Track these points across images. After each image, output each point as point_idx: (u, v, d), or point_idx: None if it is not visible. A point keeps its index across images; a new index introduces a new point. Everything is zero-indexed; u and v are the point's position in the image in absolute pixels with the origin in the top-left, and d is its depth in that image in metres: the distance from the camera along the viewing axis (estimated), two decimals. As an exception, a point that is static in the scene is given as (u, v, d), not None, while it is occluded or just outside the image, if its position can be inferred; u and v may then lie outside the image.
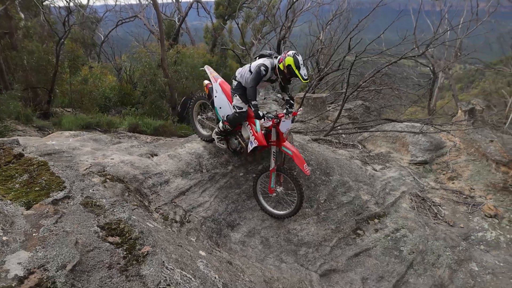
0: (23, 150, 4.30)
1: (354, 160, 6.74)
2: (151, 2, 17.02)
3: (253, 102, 4.34)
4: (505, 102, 21.72)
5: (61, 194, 2.93)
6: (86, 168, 4.40)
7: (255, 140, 4.53)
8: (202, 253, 3.80)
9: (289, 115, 4.49)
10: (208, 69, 5.23)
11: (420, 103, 18.14)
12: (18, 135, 8.61)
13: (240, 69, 4.76)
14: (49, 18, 17.76)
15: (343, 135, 8.21)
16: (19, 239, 2.31)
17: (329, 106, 10.75)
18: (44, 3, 18.34)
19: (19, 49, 13.20)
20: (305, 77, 4.18)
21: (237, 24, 20.95)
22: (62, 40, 13.32)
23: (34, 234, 2.38)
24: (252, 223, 4.82)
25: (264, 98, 12.35)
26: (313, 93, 11.73)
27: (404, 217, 5.49)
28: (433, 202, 6.02)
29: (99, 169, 4.56)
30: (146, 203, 4.50)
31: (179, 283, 2.78)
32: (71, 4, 20.10)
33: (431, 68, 17.46)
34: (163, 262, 2.85)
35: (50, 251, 2.25)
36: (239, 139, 4.82)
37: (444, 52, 21.71)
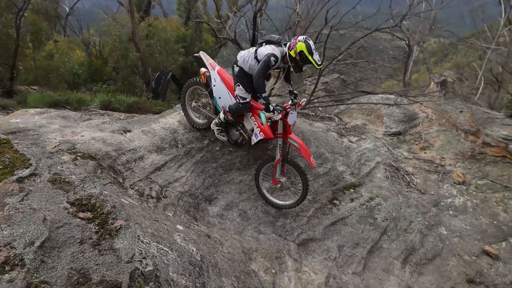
0: (-15, 127, 4.10)
1: (331, 132, 6.81)
2: (119, -28, 16.23)
3: (263, 95, 4.13)
4: (476, 75, 22.30)
5: (26, 172, 2.81)
6: (55, 146, 4.25)
7: (261, 133, 4.38)
8: (180, 227, 3.79)
9: (295, 106, 4.33)
10: (204, 56, 4.93)
11: (396, 76, 18.37)
12: (-19, 114, 8.20)
13: (242, 53, 4.43)
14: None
15: (320, 108, 8.24)
16: (-16, 218, 2.22)
17: (306, 80, 10.73)
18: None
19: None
20: (319, 63, 4.03)
21: (211, -4, 20.33)
22: (22, 12, 12.55)
23: (-1, 212, 2.29)
24: (229, 197, 4.83)
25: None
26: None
27: (379, 187, 5.63)
28: (406, 171, 6.19)
29: (68, 146, 4.42)
30: (121, 180, 4.42)
31: (155, 256, 2.77)
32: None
33: (407, 41, 17.62)
34: (138, 236, 2.82)
35: (17, 229, 2.18)
36: (241, 130, 4.63)
37: (419, 25, 21.89)
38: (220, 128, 4.77)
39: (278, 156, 4.45)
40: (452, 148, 6.82)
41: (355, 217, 5.07)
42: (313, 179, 5.24)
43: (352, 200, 5.31)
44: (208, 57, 4.93)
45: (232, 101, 4.55)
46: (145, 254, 2.67)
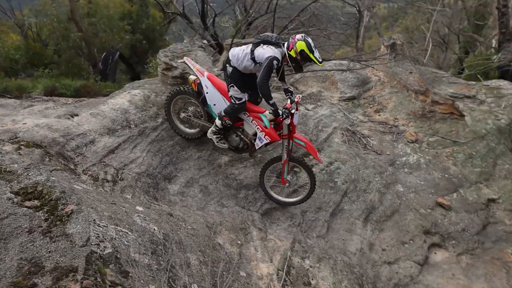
0: None
1: (287, 102, 6.86)
2: None
3: (271, 102, 4.08)
4: (424, 38, 23.14)
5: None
6: (-6, 136, 3.98)
7: (266, 137, 4.31)
8: (140, 208, 3.73)
9: (295, 104, 4.31)
10: (188, 62, 4.68)
11: (349, 43, 18.68)
12: None
13: (235, 52, 4.25)
14: None
15: (275, 79, 8.25)
16: None
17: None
18: None
19: None
20: (320, 60, 3.99)
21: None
22: None
23: None
24: (189, 173, 4.79)
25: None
26: (243, 38, 11.48)
27: (337, 151, 5.80)
28: (362, 134, 6.41)
29: (10, 136, 4.16)
30: (72, 166, 4.24)
31: (114, 238, 2.72)
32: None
33: (357, 7, 17.86)
34: (94, 220, 2.74)
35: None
36: (241, 135, 4.49)
37: (368, -10, 22.18)
38: (219, 135, 4.57)
39: (285, 157, 4.41)
40: (404, 108, 7.12)
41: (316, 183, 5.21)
42: (272, 149, 5.30)
43: (312, 166, 5.43)
44: (193, 62, 4.69)
45: (227, 105, 4.43)
46: (103, 237, 2.61)
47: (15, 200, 2.40)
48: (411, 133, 6.52)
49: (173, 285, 2.91)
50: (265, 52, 3.97)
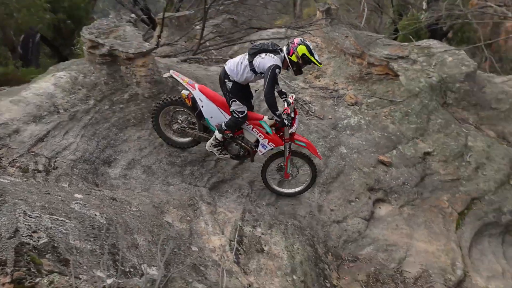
0: None
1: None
2: None
3: (277, 113, 4.14)
4: (360, 3, 23.82)
5: None
6: None
7: (270, 143, 4.42)
8: (79, 195, 3.59)
9: (292, 106, 4.45)
10: (176, 75, 4.48)
11: (288, 12, 18.75)
12: None
13: (231, 67, 4.20)
14: None
15: (214, 52, 8.13)
16: None
17: (196, 25, 10.37)
18: None
19: None
20: (320, 61, 4.15)
21: None
22: None
23: None
24: (130, 155, 4.65)
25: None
26: (177, 11, 11.09)
27: (280, 119, 5.91)
28: (304, 101, 6.57)
29: None
30: (-4, 160, 3.94)
31: (50, 228, 2.60)
32: None
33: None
34: (24, 211, 2.60)
35: None
36: (241, 143, 4.51)
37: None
38: (219, 147, 4.54)
39: (287, 154, 4.58)
40: (343, 72, 7.37)
41: (261, 152, 5.31)
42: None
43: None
44: (181, 75, 4.51)
45: (226, 116, 4.39)
46: (36, 227, 2.49)
47: None
48: (350, 96, 6.79)
49: (120, 267, 2.87)
50: (266, 61, 3.98)
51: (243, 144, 4.51)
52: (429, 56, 8.48)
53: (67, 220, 2.84)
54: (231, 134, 4.40)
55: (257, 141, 4.48)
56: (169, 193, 4.40)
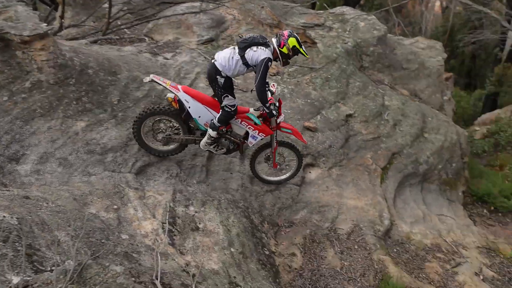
0: None
1: (143, 54, 6.51)
2: None
3: (267, 105, 4.31)
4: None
5: None
6: None
7: (261, 133, 4.60)
8: (-18, 199, 3.24)
9: (275, 95, 4.71)
10: (157, 79, 4.34)
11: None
12: None
13: (221, 61, 4.18)
14: None
15: (127, 31, 7.70)
16: None
17: (104, 3, 9.70)
18: None
19: None
20: (306, 52, 4.41)
21: None
22: None
23: None
24: (41, 148, 4.29)
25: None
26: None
27: (204, 96, 5.83)
28: (226, 75, 6.52)
29: None
30: None
31: None
32: None
33: None
34: None
35: None
36: (230, 137, 4.60)
37: None
38: (215, 144, 4.61)
39: (274, 145, 4.81)
40: (262, 44, 7.41)
41: (187, 130, 5.21)
42: (133, 105, 5.06)
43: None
44: (163, 79, 4.44)
45: (213, 114, 4.45)
46: None
47: None
48: (272, 66, 6.87)
49: (40, 267, 2.68)
50: (258, 54, 4.09)
51: (232, 138, 4.61)
52: (343, 22, 8.87)
53: (-32, 225, 2.56)
54: (224, 129, 4.51)
55: (246, 133, 4.63)
56: (91, 184, 4.16)
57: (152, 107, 4.47)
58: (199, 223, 4.18)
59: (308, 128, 6.21)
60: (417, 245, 5.47)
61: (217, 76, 4.22)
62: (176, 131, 4.64)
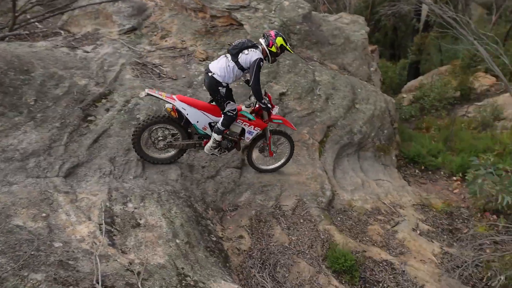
0: None
1: (59, 48, 6.06)
2: None
3: (263, 101, 4.67)
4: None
5: None
6: None
7: (256, 128, 4.91)
8: None
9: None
10: (152, 92, 4.46)
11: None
12: None
13: (219, 72, 4.45)
14: None
15: (38, 25, 7.12)
16: None
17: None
18: None
19: None
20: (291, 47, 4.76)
21: None
22: None
23: None
24: None
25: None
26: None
27: (131, 87, 5.58)
28: (153, 64, 6.30)
29: None
30: None
31: None
32: None
33: None
34: None
35: None
36: (227, 137, 4.84)
37: None
38: (219, 147, 4.83)
39: (268, 135, 5.15)
40: (188, 29, 7.23)
41: (117, 125, 4.97)
42: (53, 104, 4.71)
43: (107, 110, 5.12)
44: (158, 91, 4.62)
45: (210, 118, 4.70)
46: None
47: None
48: (200, 51, 6.75)
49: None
50: (251, 56, 4.39)
51: (230, 137, 4.86)
52: (268, 2, 8.88)
53: None
54: (227, 132, 4.79)
55: (242, 130, 4.89)
56: (13, 194, 3.81)
57: (152, 117, 4.61)
58: (140, 219, 4.02)
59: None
60: (359, 211, 5.73)
61: (219, 88, 4.51)
62: (176, 137, 4.81)
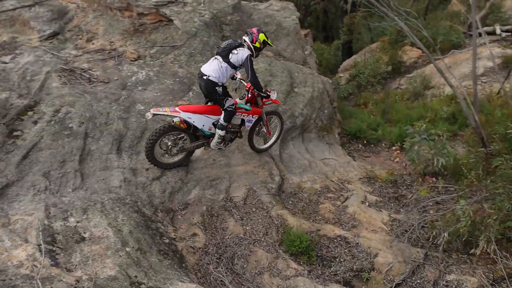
0: None
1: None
2: None
3: (263, 91, 5.07)
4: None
5: None
6: None
7: (254, 115, 5.35)
8: None
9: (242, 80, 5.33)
10: (157, 112, 4.66)
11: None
12: None
13: (215, 74, 4.75)
14: None
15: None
16: None
17: None
18: None
19: None
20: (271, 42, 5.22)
21: None
22: None
23: None
24: None
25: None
26: None
27: (60, 96, 5.23)
28: (82, 69, 5.94)
29: None
30: None
31: None
32: None
33: None
34: None
35: None
36: (230, 130, 5.22)
37: None
38: (224, 140, 5.21)
39: (265, 118, 5.56)
40: (116, 29, 6.89)
41: (48, 137, 4.64)
42: None
43: (35, 122, 4.76)
44: (162, 109, 4.78)
45: (212, 118, 5.00)
46: None
47: None
48: (131, 51, 6.46)
49: None
50: (241, 54, 4.74)
51: (232, 130, 5.27)
52: (197, -5, 8.70)
53: None
54: (230, 126, 5.14)
55: (242, 121, 5.28)
56: None
57: (163, 126, 4.80)
58: (84, 233, 3.79)
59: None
60: (309, 192, 5.82)
61: (216, 88, 4.82)
62: (185, 141, 5.11)
